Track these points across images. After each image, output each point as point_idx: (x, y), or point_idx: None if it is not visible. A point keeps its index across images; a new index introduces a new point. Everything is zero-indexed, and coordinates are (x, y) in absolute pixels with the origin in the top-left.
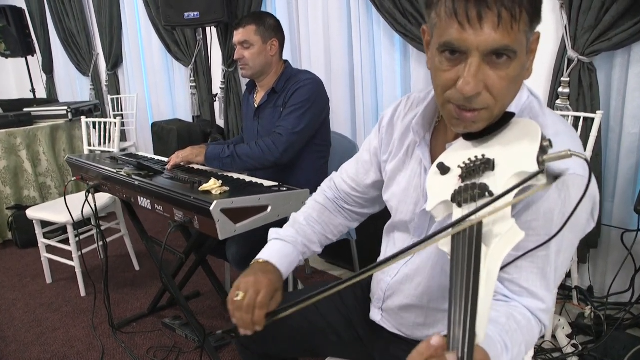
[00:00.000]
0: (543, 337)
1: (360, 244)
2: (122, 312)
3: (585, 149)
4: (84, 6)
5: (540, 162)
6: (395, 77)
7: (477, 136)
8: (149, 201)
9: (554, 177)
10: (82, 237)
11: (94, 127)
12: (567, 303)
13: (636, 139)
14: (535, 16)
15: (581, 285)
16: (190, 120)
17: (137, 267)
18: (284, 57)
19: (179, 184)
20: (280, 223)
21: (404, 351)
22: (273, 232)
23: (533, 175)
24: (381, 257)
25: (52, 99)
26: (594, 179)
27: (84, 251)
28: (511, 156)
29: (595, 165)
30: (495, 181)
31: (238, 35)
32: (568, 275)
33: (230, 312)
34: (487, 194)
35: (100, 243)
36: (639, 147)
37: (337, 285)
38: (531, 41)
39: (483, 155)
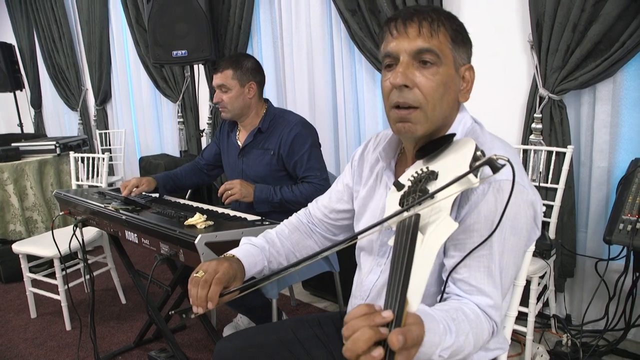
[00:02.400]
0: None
1: (344, 276)
2: (107, 346)
3: (558, 182)
4: (74, 43)
5: (472, 167)
6: (377, 113)
7: (427, 153)
8: (135, 235)
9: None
10: (68, 271)
11: (82, 162)
12: (546, 331)
13: (605, 172)
14: (456, 37)
15: (559, 314)
16: (177, 155)
17: (123, 301)
18: (269, 94)
19: (165, 219)
20: None
21: None
22: (244, 239)
23: (462, 176)
24: (354, 285)
25: (40, 133)
26: (532, 190)
27: (69, 285)
28: (450, 166)
29: (568, 197)
30: (436, 187)
31: (216, 79)
32: (546, 304)
33: (188, 289)
34: (427, 196)
35: (87, 276)
36: (608, 180)
37: (290, 266)
38: (463, 68)
39: (427, 168)
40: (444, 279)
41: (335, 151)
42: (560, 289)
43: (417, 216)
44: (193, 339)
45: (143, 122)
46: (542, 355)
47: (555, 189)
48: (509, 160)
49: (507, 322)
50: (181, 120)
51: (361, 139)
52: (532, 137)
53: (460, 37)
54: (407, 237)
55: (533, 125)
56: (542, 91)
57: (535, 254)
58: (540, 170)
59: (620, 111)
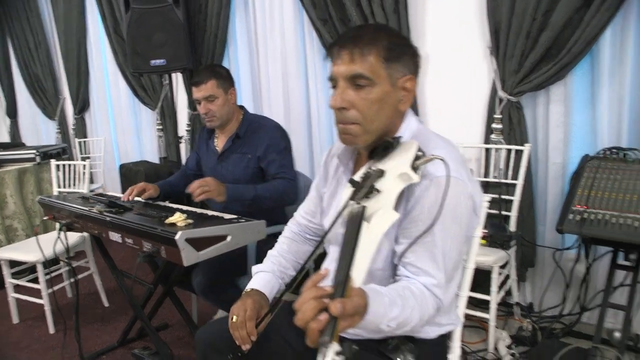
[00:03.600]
0: (486, 349)
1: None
2: (91, 347)
3: (517, 178)
4: (50, 52)
5: (414, 166)
6: None
7: (376, 155)
8: (119, 235)
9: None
10: (49, 276)
11: (62, 170)
12: (510, 318)
13: (560, 168)
14: (389, 55)
15: (522, 302)
16: (157, 161)
17: (106, 304)
18: (246, 101)
19: (147, 219)
20: (239, 250)
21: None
22: (254, 268)
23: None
24: (321, 270)
25: (17, 142)
26: (471, 183)
27: (53, 289)
28: (395, 165)
29: (528, 192)
30: (383, 183)
31: (201, 92)
32: (509, 292)
33: (232, 333)
34: (374, 191)
35: (72, 279)
36: (563, 175)
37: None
38: (402, 80)
39: (377, 167)
40: (396, 263)
41: (309, 155)
42: (522, 279)
43: (363, 207)
44: (175, 337)
45: (122, 129)
46: (504, 340)
47: (515, 185)
48: (443, 160)
49: (459, 302)
50: (160, 127)
51: (334, 143)
52: (492, 136)
53: (394, 54)
54: (353, 225)
55: (493, 125)
56: (501, 93)
57: (495, 245)
58: (501, 167)
59: (572, 111)
